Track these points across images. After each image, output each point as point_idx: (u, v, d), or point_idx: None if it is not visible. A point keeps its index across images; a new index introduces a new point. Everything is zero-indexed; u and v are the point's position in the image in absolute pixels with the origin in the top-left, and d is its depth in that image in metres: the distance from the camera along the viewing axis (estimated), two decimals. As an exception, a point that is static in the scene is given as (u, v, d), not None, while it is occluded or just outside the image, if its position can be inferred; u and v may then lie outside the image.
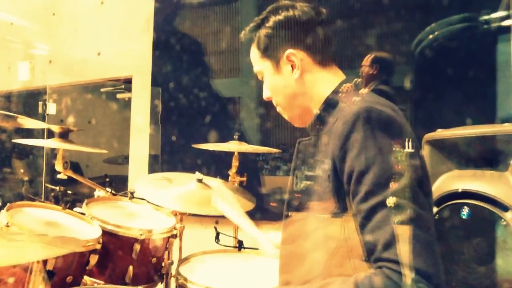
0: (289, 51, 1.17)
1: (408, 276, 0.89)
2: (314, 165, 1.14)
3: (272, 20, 1.20)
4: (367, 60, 2.49)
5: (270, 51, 1.20)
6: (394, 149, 0.98)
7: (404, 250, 0.90)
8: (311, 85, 1.19)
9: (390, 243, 0.91)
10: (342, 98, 1.13)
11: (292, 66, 1.18)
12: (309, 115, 1.20)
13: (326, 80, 1.19)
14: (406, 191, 0.95)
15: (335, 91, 1.16)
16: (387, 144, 0.98)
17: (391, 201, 0.93)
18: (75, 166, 2.12)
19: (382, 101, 1.09)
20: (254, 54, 1.25)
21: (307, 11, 1.19)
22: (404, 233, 0.92)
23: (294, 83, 1.18)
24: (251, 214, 1.55)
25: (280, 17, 1.19)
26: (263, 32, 1.21)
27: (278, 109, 1.27)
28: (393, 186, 0.95)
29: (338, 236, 1.02)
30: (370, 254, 0.95)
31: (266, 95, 1.27)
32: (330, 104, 1.15)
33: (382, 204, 0.94)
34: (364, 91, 1.14)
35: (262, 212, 2.49)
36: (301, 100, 1.20)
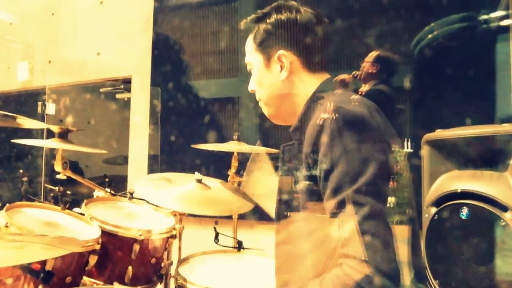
0: (281, 51, 1.19)
1: (366, 271, 0.91)
2: (297, 168, 1.15)
3: (274, 17, 1.21)
4: (371, 56, 2.47)
5: (264, 46, 1.22)
6: (361, 147, 0.99)
7: (364, 247, 0.92)
8: (296, 88, 1.21)
9: (350, 240, 0.93)
10: (320, 100, 1.14)
11: (281, 67, 1.20)
12: (289, 116, 1.23)
13: (311, 85, 1.20)
14: (370, 188, 0.96)
15: (316, 93, 1.18)
16: (352, 143, 1.00)
17: (355, 198, 0.95)
18: (74, 165, 2.11)
19: (358, 100, 1.10)
20: (249, 45, 1.26)
21: (310, 17, 1.21)
22: (366, 229, 0.93)
23: (280, 83, 1.20)
24: (251, 214, 1.55)
25: (282, 16, 1.21)
26: (262, 26, 1.22)
27: (260, 103, 1.29)
28: (359, 183, 0.96)
29: (335, 236, 1.03)
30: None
31: (251, 87, 1.29)
32: (310, 107, 1.17)
33: (345, 201, 0.96)
34: (339, 90, 1.16)
35: (261, 212, 2.49)
36: (284, 101, 1.22)
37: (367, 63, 2.44)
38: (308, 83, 1.21)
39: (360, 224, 0.93)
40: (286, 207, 1.20)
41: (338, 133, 1.00)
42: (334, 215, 0.97)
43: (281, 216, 1.22)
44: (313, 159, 1.04)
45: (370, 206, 0.94)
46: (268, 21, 1.22)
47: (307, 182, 1.07)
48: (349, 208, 0.95)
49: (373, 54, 2.47)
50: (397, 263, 0.94)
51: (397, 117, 2.41)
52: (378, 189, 0.97)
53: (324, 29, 1.22)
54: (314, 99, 1.17)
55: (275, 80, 1.21)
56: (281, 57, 1.19)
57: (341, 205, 0.96)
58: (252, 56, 1.26)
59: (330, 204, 0.99)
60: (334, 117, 1.01)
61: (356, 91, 2.27)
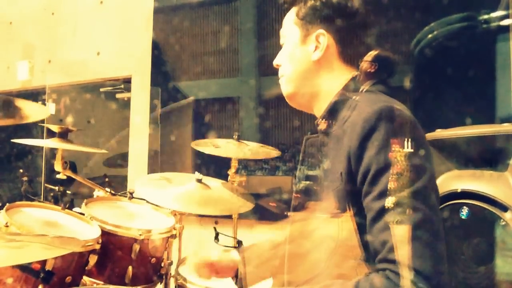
0: (321, 31, 1.15)
1: (408, 277, 0.89)
2: (323, 163, 1.13)
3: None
4: (369, 56, 2.46)
5: (305, 21, 1.17)
6: (409, 150, 0.97)
7: (409, 252, 0.90)
8: (324, 74, 1.17)
9: (397, 245, 0.91)
10: (353, 96, 1.11)
11: (316, 47, 1.16)
12: (307, 99, 1.19)
13: (340, 76, 1.17)
14: (419, 192, 0.94)
15: (345, 88, 1.15)
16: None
17: (402, 202, 0.93)
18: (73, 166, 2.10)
19: (395, 101, 1.09)
20: (290, 16, 1.21)
21: (360, 10, 1.19)
22: (411, 234, 0.91)
23: (310, 63, 1.16)
24: (250, 214, 1.55)
25: (333, 0, 1.17)
26: (310, 2, 1.18)
27: (281, 80, 1.23)
28: (406, 187, 0.94)
29: (337, 236, 1.02)
30: (375, 254, 0.95)
31: (277, 61, 1.24)
32: (340, 101, 1.13)
33: (392, 206, 0.93)
34: (368, 89, 1.14)
35: (261, 212, 2.49)
36: (307, 82, 1.18)
37: (365, 63, 2.43)
38: (338, 72, 1.17)
39: (406, 228, 0.91)
40: (302, 205, 1.17)
41: (394, 134, 0.97)
42: (377, 217, 0.94)
43: (295, 214, 1.19)
44: (357, 156, 0.99)
45: (423, 213, 0.92)
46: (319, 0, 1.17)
47: (337, 180, 1.03)
48: (396, 213, 0.93)
49: (372, 53, 2.46)
50: (447, 275, 0.93)
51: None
52: (430, 197, 0.96)
53: (370, 26, 1.23)
54: (347, 93, 1.13)
55: (306, 59, 1.17)
56: (319, 37, 1.15)
57: (387, 209, 0.93)
58: (289, 28, 1.21)
59: (375, 205, 0.95)
60: (391, 117, 0.98)
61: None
